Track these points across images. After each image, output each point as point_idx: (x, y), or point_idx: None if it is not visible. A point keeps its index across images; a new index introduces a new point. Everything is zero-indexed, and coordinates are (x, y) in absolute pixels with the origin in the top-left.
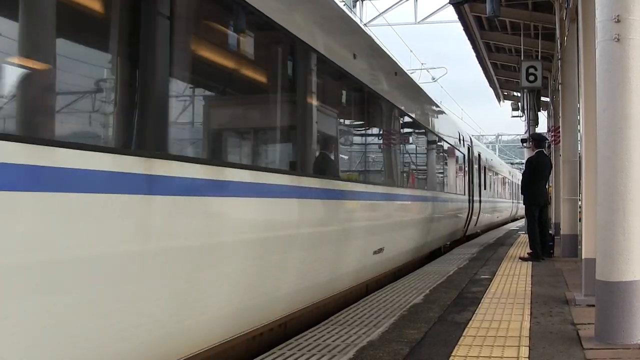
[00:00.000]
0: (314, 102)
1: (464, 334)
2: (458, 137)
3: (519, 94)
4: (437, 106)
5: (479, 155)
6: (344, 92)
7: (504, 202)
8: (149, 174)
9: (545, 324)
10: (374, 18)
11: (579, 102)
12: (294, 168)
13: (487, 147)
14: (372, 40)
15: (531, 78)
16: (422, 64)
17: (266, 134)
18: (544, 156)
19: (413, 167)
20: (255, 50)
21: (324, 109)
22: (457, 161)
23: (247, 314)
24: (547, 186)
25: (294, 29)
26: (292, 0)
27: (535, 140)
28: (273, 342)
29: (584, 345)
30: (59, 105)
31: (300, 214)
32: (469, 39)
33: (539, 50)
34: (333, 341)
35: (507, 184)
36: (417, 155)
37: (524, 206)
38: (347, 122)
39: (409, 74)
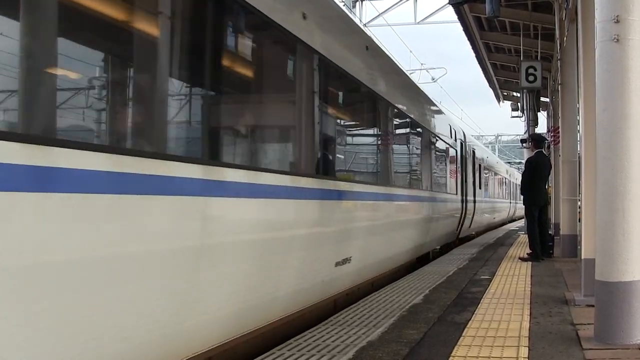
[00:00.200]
0: (236, 69)
1: (463, 334)
2: (449, 130)
3: (518, 95)
4: (425, 95)
5: (474, 152)
6: (289, 61)
7: (501, 203)
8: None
9: (545, 324)
10: (374, 18)
11: (578, 103)
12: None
13: (487, 147)
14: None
15: (531, 78)
16: (421, 64)
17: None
18: (543, 156)
19: (390, 160)
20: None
21: (251, 81)
22: (447, 157)
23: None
24: (546, 186)
25: None
26: None
27: (534, 140)
28: None
29: (583, 345)
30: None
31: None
32: (468, 39)
33: (539, 50)
34: (332, 341)
35: (504, 183)
36: (396, 147)
37: (522, 207)
38: (291, 98)
39: (389, 56)
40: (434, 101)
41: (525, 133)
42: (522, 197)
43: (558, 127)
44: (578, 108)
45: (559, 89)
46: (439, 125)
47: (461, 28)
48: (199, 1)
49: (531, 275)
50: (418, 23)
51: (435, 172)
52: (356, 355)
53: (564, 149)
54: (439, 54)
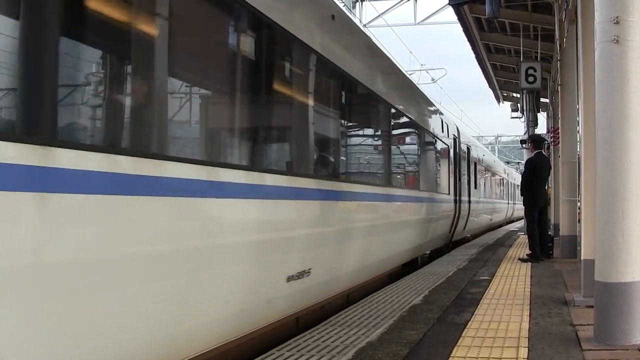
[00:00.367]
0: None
1: (463, 334)
2: (440, 124)
3: (518, 95)
4: (407, 78)
5: (468, 149)
6: (247, 33)
7: (498, 203)
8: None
9: (545, 324)
10: (374, 19)
11: (578, 103)
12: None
13: (487, 147)
14: None
15: (530, 79)
16: (421, 64)
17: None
18: (543, 157)
19: (369, 155)
20: None
21: (203, 57)
22: (438, 153)
23: None
24: (546, 187)
25: None
26: None
27: (534, 141)
28: None
29: (582, 346)
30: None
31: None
32: (468, 40)
33: (539, 51)
34: (332, 342)
35: (501, 183)
36: (376, 139)
37: (520, 208)
38: (243, 77)
39: (360, 26)
40: (418, 86)
41: (525, 134)
42: (521, 198)
43: (558, 128)
44: (578, 109)
45: (559, 89)
46: (431, 120)
47: (461, 29)
48: None
49: (531, 276)
50: (418, 24)
51: (423, 169)
52: (356, 355)
53: (564, 149)
54: (439, 54)
